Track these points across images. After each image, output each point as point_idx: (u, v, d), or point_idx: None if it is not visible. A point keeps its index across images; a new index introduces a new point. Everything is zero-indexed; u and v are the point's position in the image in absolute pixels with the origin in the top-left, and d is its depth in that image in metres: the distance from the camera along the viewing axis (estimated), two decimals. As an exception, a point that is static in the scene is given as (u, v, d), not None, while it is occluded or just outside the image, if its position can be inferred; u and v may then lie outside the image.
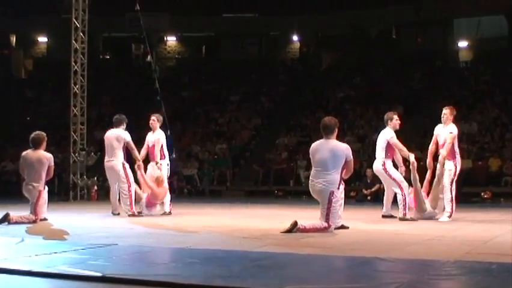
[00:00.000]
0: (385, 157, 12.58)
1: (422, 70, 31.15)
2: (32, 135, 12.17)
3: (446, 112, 12.58)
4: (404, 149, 12.61)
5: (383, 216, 12.74)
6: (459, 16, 33.75)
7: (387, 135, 12.66)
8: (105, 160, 13.98)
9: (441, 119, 12.59)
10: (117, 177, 13.75)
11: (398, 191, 12.45)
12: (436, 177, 12.55)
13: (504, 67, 30.35)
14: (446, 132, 12.45)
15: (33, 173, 11.90)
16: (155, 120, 14.38)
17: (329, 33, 36.35)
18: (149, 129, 14.50)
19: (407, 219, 12.09)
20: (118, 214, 13.79)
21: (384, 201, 13.01)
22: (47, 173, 12.04)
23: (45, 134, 12.28)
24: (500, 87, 28.88)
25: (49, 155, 12.10)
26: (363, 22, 34.54)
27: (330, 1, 34.36)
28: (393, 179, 12.49)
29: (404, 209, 12.26)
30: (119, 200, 14.01)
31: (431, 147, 12.79)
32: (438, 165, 12.54)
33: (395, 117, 12.83)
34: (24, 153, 12.09)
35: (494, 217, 13.33)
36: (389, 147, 12.60)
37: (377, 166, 12.79)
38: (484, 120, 26.80)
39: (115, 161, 13.65)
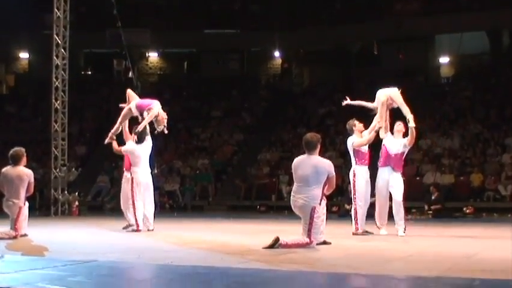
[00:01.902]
0: (355, 164, 12.65)
1: (404, 86, 31.04)
2: (11, 151, 12.08)
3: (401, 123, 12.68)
4: (370, 134, 12.56)
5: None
6: (440, 32, 33.88)
7: (349, 143, 12.77)
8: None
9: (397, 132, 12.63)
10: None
11: (353, 204, 12.55)
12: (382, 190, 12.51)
13: (485, 83, 30.52)
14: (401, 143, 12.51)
15: (13, 189, 11.80)
16: None
17: (311, 49, 36.40)
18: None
19: (358, 234, 12.16)
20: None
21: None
22: (27, 189, 11.95)
23: (24, 150, 12.18)
24: (481, 103, 29.01)
25: (29, 171, 12.01)
26: (345, 38, 34.62)
27: (311, 17, 34.43)
28: (354, 190, 12.53)
29: (356, 223, 12.32)
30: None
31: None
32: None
33: (356, 122, 12.87)
34: (3, 169, 12.00)
35: (477, 232, 13.34)
36: (356, 154, 12.66)
37: (349, 175, 12.84)
38: (465, 135, 26.89)
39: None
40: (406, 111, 12.44)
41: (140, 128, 13.42)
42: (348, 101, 13.26)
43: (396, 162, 12.47)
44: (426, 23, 32.05)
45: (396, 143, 12.51)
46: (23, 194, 11.87)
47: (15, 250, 9.64)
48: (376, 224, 12.54)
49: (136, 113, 13.72)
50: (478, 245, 10.22)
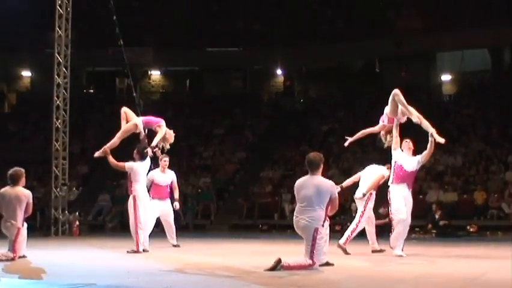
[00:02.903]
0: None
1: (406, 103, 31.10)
2: (10, 171, 11.92)
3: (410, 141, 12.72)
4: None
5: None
6: (442, 50, 33.86)
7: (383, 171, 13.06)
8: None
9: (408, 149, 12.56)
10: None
11: (355, 220, 12.85)
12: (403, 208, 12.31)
13: (487, 100, 30.43)
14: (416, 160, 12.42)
15: (11, 210, 11.65)
16: (167, 161, 15.16)
17: (313, 66, 36.40)
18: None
19: (343, 248, 12.36)
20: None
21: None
22: (26, 210, 11.79)
23: (23, 170, 12.03)
24: (483, 120, 28.91)
25: (28, 192, 11.86)
26: (347, 56, 34.63)
27: (313, 35, 34.44)
28: (363, 211, 12.81)
29: (348, 239, 12.61)
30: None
31: None
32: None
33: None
34: (2, 190, 11.84)
35: (481, 252, 13.19)
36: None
37: (359, 194, 12.97)
38: (468, 153, 26.76)
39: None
40: (426, 125, 12.44)
41: (155, 142, 13.37)
42: (349, 140, 13.22)
43: (412, 180, 12.38)
44: (428, 41, 32.03)
45: (411, 160, 12.37)
46: (21, 215, 11.71)
47: (13, 273, 9.49)
48: (390, 245, 12.39)
49: (140, 129, 13.63)
50: (483, 266, 10.05)
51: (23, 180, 11.95)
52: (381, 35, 32.89)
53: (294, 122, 33.12)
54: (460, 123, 29.49)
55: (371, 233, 13.12)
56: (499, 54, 33.98)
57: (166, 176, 15.45)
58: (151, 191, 14.95)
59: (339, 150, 27.50)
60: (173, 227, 15.55)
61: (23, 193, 11.79)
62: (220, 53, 35.89)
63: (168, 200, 15.43)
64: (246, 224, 25.84)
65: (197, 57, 35.96)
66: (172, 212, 15.43)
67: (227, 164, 30.31)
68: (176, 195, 15.57)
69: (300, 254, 9.68)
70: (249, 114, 34.51)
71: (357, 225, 12.80)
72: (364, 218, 12.89)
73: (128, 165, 13.57)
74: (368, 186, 12.95)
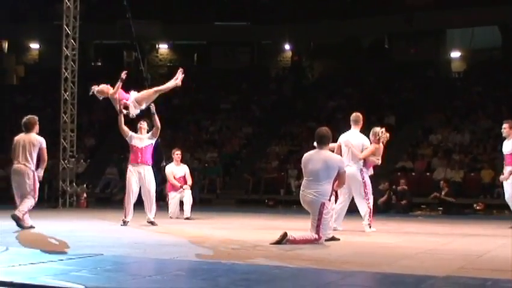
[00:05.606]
0: None
1: (414, 80, 31.09)
2: (24, 119, 12.38)
3: (505, 126, 13.68)
4: None
5: None
6: (452, 26, 33.70)
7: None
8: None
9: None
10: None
11: None
12: None
13: (497, 78, 30.30)
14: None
15: (25, 153, 12.02)
16: (179, 154, 17.00)
17: (321, 42, 36.27)
18: None
19: None
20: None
21: None
22: (41, 158, 12.17)
23: (36, 118, 12.50)
24: (492, 98, 28.79)
25: (41, 138, 12.28)
26: (356, 31, 34.47)
27: (322, 10, 34.26)
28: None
29: None
30: None
31: None
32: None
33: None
34: (17, 136, 12.31)
35: (487, 230, 13.17)
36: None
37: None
38: (476, 130, 26.68)
39: None
40: None
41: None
42: None
43: None
44: (438, 17, 31.88)
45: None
46: (33, 158, 12.09)
47: (21, 242, 9.57)
48: None
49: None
50: (488, 244, 10.06)
51: (36, 128, 12.39)
52: (391, 11, 32.70)
53: (301, 97, 33.05)
54: (469, 101, 29.40)
55: None
56: (509, 31, 33.78)
57: (180, 169, 16.81)
58: (168, 185, 16.81)
59: (346, 127, 27.47)
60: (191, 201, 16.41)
61: (36, 138, 12.22)
62: (228, 27, 35.80)
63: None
64: (252, 199, 25.88)
65: (205, 31, 35.88)
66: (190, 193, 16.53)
67: (234, 138, 30.31)
68: (189, 183, 16.70)
69: (306, 229, 9.70)
70: (256, 89, 34.45)
71: None
72: None
73: None
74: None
